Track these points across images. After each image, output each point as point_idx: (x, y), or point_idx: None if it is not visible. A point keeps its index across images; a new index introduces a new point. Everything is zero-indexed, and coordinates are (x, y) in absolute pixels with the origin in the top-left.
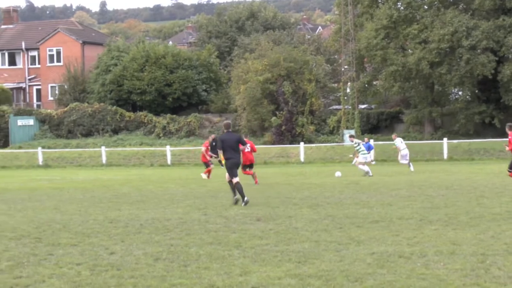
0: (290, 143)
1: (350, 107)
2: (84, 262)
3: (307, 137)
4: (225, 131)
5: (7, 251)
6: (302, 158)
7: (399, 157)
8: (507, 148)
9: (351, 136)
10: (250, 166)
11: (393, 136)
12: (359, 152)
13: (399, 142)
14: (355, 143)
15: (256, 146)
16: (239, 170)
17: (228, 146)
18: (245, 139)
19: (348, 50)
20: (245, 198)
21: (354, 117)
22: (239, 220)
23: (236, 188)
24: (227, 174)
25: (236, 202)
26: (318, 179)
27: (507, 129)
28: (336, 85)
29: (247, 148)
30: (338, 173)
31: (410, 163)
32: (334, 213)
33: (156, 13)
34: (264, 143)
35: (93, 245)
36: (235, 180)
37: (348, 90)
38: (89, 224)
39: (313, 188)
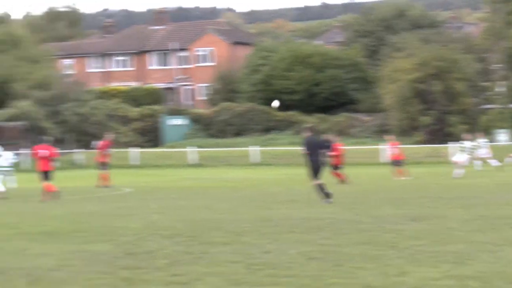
0: (440, 143)
1: (503, 106)
2: (239, 261)
3: (458, 136)
4: (307, 134)
5: (163, 249)
6: (453, 158)
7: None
8: None
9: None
10: (337, 167)
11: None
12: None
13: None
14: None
15: (406, 146)
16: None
17: (312, 148)
18: (333, 140)
19: (499, 48)
20: (329, 199)
21: (507, 116)
22: (391, 220)
23: (320, 188)
24: (312, 177)
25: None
26: (470, 179)
27: None
28: (487, 84)
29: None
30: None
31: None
32: (487, 214)
33: (303, 12)
34: (415, 143)
35: (246, 244)
36: (317, 181)
37: (500, 89)
38: (241, 223)
39: (465, 188)
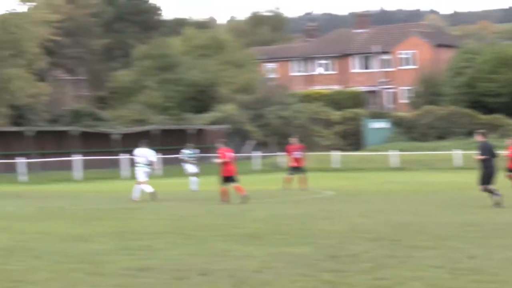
0: None
1: None
2: (443, 265)
3: None
4: (480, 139)
5: (367, 252)
6: None
7: None
8: None
9: None
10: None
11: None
12: None
13: None
14: None
15: None
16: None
17: (487, 154)
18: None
19: None
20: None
21: None
22: None
23: (492, 191)
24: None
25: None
26: None
27: None
28: None
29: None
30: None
31: None
32: None
33: (508, 14)
34: None
35: (451, 248)
36: (489, 187)
37: None
38: (445, 227)
39: None
